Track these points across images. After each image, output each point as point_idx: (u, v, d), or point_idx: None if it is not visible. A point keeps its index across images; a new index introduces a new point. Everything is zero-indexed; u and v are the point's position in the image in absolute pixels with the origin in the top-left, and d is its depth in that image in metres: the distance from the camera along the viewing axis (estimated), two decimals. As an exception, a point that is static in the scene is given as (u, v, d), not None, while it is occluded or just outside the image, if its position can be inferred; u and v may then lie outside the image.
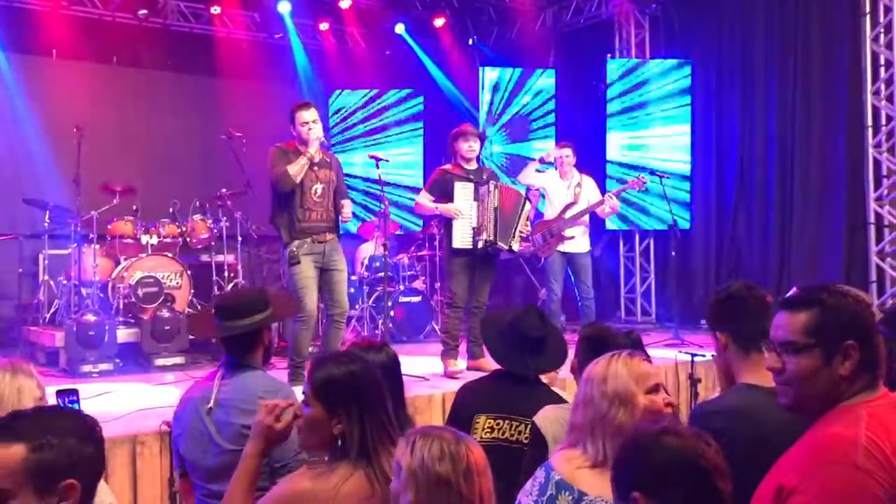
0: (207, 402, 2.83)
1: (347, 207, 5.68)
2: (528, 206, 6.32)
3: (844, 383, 1.82)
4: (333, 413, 2.17)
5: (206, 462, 2.82)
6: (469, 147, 6.14)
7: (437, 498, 1.80)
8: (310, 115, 5.53)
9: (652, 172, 7.74)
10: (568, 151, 7.34)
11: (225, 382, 2.87)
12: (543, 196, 7.57)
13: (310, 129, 5.48)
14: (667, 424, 1.74)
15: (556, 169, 7.42)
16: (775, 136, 8.39)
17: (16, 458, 1.59)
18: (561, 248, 7.18)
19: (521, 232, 6.21)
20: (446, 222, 6.15)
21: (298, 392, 4.94)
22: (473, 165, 6.21)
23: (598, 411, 2.20)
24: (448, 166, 6.25)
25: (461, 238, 6.03)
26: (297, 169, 5.40)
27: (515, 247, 6.24)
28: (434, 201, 6.12)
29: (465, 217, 6.03)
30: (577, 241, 7.22)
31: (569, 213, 7.21)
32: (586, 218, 7.26)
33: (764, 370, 2.33)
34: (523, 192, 6.66)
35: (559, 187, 7.33)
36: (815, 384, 1.82)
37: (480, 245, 6.04)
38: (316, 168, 5.52)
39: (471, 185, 6.10)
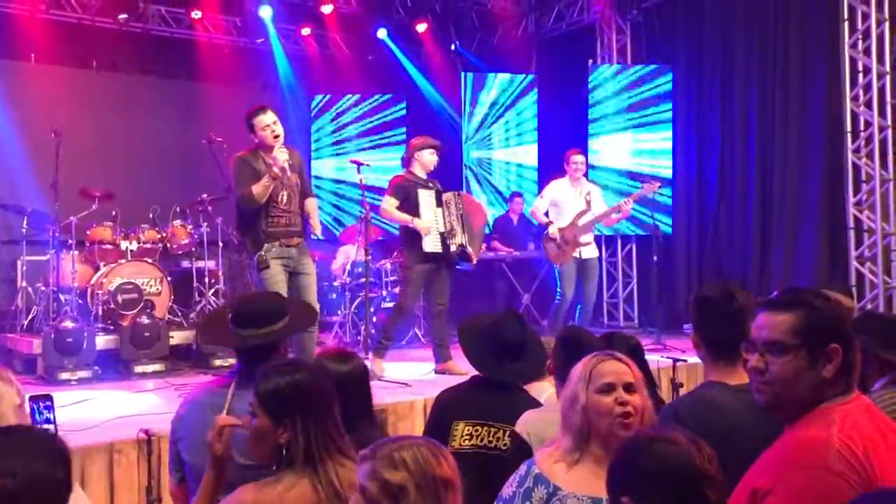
0: (220, 410, 2.64)
1: (314, 218, 5.59)
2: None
3: (825, 386, 1.82)
4: (279, 422, 2.15)
5: None
6: (436, 161, 6.27)
7: (442, 501, 1.75)
8: (269, 117, 5.34)
9: (642, 178, 7.84)
10: (581, 158, 7.45)
11: (242, 394, 2.67)
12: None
13: (273, 131, 5.31)
14: (662, 430, 1.75)
15: (566, 176, 7.48)
16: (755, 141, 8.44)
17: None
18: (576, 254, 7.30)
19: (481, 248, 6.44)
20: (411, 230, 6.14)
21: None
22: (425, 176, 6.29)
23: (562, 409, 2.32)
24: (405, 174, 6.28)
25: (432, 243, 6.08)
26: (260, 190, 5.22)
27: (475, 260, 6.36)
28: (398, 207, 6.12)
29: (432, 223, 6.10)
30: (592, 247, 7.41)
31: (582, 220, 7.28)
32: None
33: (731, 377, 2.35)
34: (485, 208, 6.82)
35: (571, 195, 7.42)
36: (797, 386, 1.82)
37: (453, 249, 6.13)
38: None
39: (432, 192, 6.20)
